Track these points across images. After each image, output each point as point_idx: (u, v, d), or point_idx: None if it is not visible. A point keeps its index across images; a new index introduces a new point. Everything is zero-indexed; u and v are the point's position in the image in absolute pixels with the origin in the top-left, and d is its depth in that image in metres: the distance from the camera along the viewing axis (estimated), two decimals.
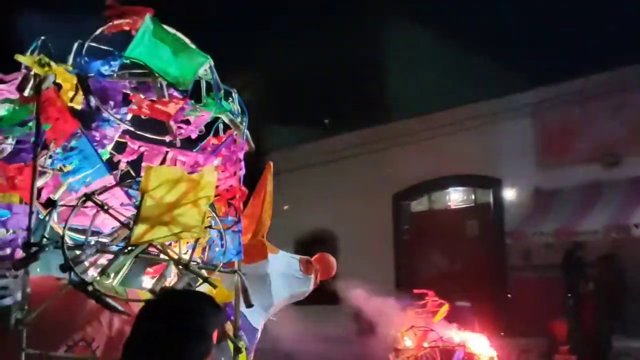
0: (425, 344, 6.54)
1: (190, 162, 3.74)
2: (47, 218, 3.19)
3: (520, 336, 11.30)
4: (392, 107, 15.99)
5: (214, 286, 3.44)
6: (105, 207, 3.25)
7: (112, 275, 3.38)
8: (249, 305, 3.72)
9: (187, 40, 3.73)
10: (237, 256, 3.71)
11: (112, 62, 3.48)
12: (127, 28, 3.61)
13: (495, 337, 7.49)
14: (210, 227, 3.53)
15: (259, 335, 4.34)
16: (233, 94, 3.93)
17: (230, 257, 3.65)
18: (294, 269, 4.62)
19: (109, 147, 3.72)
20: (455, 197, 15.52)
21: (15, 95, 3.31)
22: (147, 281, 3.89)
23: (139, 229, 3.09)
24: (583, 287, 11.27)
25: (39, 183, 3.24)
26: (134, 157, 3.78)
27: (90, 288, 3.01)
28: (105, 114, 3.48)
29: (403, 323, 6.81)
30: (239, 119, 3.91)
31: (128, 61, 3.54)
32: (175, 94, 3.65)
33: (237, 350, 3.68)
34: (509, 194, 14.02)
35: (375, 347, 7.23)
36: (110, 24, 3.56)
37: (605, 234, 11.42)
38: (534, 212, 13.06)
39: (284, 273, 4.54)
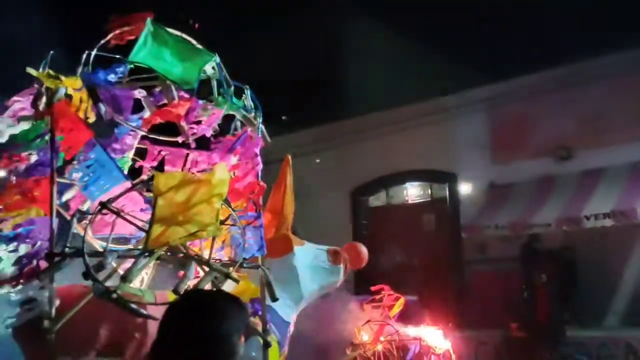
0: (382, 338, 6.56)
1: (208, 161, 3.76)
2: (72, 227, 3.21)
3: (476, 328, 11.46)
4: (349, 103, 15.99)
5: (236, 281, 3.41)
6: (122, 214, 3.26)
7: (135, 280, 3.33)
8: (274, 299, 3.64)
9: (191, 41, 3.71)
10: (260, 251, 3.67)
11: (117, 69, 3.47)
12: (131, 37, 3.61)
13: (452, 330, 7.57)
14: (231, 223, 3.53)
15: (291, 328, 4.27)
16: (245, 91, 3.92)
17: (252, 253, 3.63)
18: (321, 260, 4.56)
19: (130, 154, 3.76)
20: (413, 192, 15.65)
21: (31, 112, 3.34)
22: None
23: (155, 231, 3.08)
24: (537, 279, 11.48)
25: (67, 196, 3.36)
26: (156, 162, 3.85)
27: (114, 295, 3.00)
28: (117, 121, 3.50)
29: (360, 317, 6.82)
30: (252, 115, 3.90)
31: (132, 66, 3.54)
32: (185, 95, 3.63)
33: (266, 345, 3.64)
34: (465, 188, 14.21)
35: (333, 342, 7.23)
36: (114, 33, 3.59)
37: (558, 227, 11.66)
38: (489, 206, 13.25)
39: (312, 265, 4.48)
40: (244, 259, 3.60)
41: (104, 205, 3.20)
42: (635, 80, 12.19)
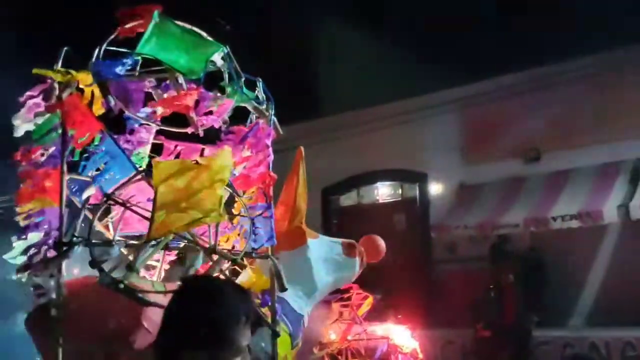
0: (350, 337, 6.55)
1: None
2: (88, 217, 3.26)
3: (444, 327, 11.53)
4: (321, 102, 15.98)
5: (243, 267, 3.44)
6: (128, 205, 3.29)
7: (140, 268, 3.33)
8: (282, 289, 3.63)
9: (200, 32, 3.70)
10: (269, 241, 3.66)
11: (124, 61, 3.44)
12: (141, 30, 3.59)
13: (420, 329, 7.60)
14: (241, 214, 3.56)
15: (305, 321, 4.21)
16: (258, 83, 3.93)
17: (261, 243, 3.62)
18: (335, 253, 4.48)
19: (147, 149, 3.79)
20: (383, 191, 15.70)
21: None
22: None
23: (157, 218, 3.07)
24: (505, 279, 11.59)
25: (88, 193, 3.40)
26: (172, 157, 3.86)
27: (120, 286, 3.03)
28: (127, 113, 3.51)
29: (328, 316, 6.80)
30: (263, 107, 3.89)
31: (139, 58, 3.54)
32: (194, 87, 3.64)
33: (275, 335, 3.61)
34: (435, 188, 14.30)
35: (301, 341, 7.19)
36: (122, 27, 3.59)
37: (526, 228, 11.79)
38: (458, 206, 13.35)
39: (326, 257, 4.41)
40: (253, 249, 3.63)
41: (108, 196, 3.25)
42: (603, 82, 12.38)
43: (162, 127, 3.77)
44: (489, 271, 12.07)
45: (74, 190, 3.44)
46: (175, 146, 3.85)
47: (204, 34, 3.73)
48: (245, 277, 3.79)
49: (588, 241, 11.91)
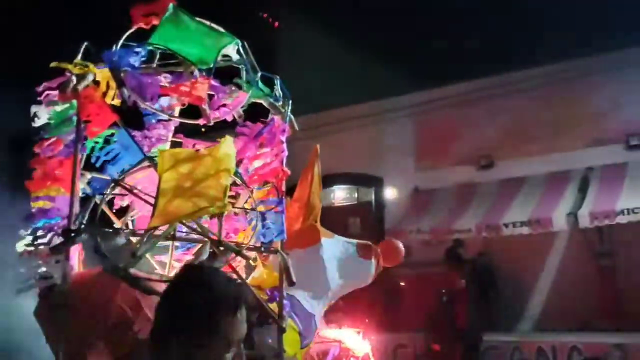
0: None
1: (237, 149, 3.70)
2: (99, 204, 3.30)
3: (397, 331, 11.61)
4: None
5: (247, 258, 3.40)
6: (136, 192, 3.31)
7: (144, 255, 3.33)
8: (290, 284, 3.58)
9: (216, 26, 3.72)
10: (279, 236, 3.64)
11: (136, 51, 3.45)
12: (156, 22, 3.63)
13: (373, 333, 7.61)
14: (251, 208, 3.57)
15: (317, 321, 4.12)
16: (275, 80, 3.94)
17: (271, 237, 3.60)
18: (350, 254, 4.37)
19: (167, 147, 3.78)
20: (339, 194, 15.73)
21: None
22: None
23: (161, 204, 3.06)
24: (457, 284, 11.73)
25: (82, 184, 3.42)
26: None
27: (121, 272, 3.04)
28: (142, 106, 3.52)
29: None
30: (279, 103, 3.89)
31: (154, 50, 3.58)
32: (214, 82, 3.64)
33: (281, 330, 3.56)
34: (390, 192, 14.40)
35: None
36: (139, 23, 3.62)
37: (478, 233, 11.96)
38: (413, 211, 13.47)
39: (340, 258, 4.30)
40: (263, 243, 3.61)
41: (116, 182, 3.28)
42: (554, 93, 12.68)
43: (173, 117, 3.75)
44: (442, 276, 12.21)
45: (95, 187, 3.47)
46: (194, 144, 3.84)
47: (219, 27, 3.74)
48: (257, 273, 3.78)
49: (538, 248, 12.16)
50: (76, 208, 3.23)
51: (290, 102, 3.99)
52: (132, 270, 3.16)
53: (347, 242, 4.49)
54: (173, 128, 3.88)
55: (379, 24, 14.26)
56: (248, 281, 3.71)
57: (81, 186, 3.45)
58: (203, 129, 3.76)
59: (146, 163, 3.39)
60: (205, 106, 3.62)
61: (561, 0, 12.69)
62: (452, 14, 14.00)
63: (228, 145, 3.35)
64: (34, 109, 3.42)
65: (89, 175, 3.53)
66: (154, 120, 3.77)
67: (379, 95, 14.31)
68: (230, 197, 3.79)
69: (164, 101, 3.68)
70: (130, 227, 3.72)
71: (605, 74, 12.48)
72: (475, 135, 13.21)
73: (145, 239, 3.23)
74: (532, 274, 12.26)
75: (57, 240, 3.20)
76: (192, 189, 3.14)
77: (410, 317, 11.73)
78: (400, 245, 4.62)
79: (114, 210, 3.74)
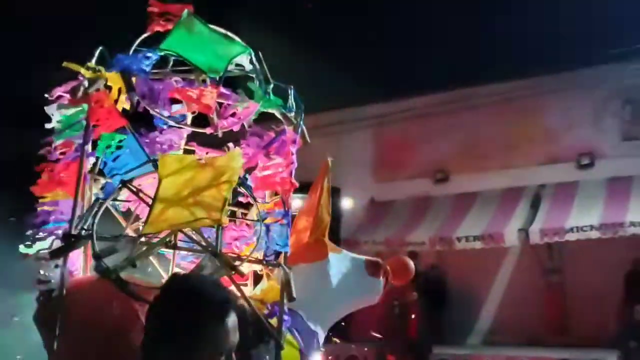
0: None
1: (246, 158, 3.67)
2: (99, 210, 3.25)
3: (348, 342, 11.59)
4: None
5: (242, 274, 3.32)
6: (141, 194, 3.28)
7: (139, 262, 3.22)
8: (290, 299, 3.49)
9: (230, 34, 3.68)
10: (283, 249, 3.57)
11: (147, 55, 3.42)
12: (170, 27, 3.62)
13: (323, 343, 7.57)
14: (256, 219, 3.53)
15: (320, 338, 3.98)
16: (290, 90, 3.90)
17: (274, 250, 3.54)
18: (358, 271, 4.22)
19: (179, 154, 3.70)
20: (296, 203, 15.63)
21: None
22: None
23: (156, 210, 3.01)
24: (409, 296, 11.80)
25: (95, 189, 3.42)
26: None
27: (112, 276, 2.99)
28: (152, 112, 3.47)
29: None
30: (292, 114, 3.84)
31: (166, 56, 3.55)
32: (223, 90, 3.61)
33: (278, 347, 3.45)
34: (347, 203, 14.41)
35: None
36: (154, 28, 3.62)
37: (432, 246, 12.07)
38: (368, 222, 13.52)
39: (347, 274, 4.15)
40: (265, 256, 3.55)
41: (124, 184, 3.26)
42: (509, 110, 12.92)
43: (180, 126, 3.66)
44: (394, 287, 12.24)
45: (108, 192, 3.44)
46: (207, 153, 3.76)
47: (233, 36, 3.71)
48: (262, 287, 3.73)
49: (489, 262, 12.33)
50: (81, 212, 3.22)
51: (303, 113, 3.97)
52: (128, 277, 3.09)
53: (355, 258, 4.32)
54: (185, 135, 3.81)
55: (339, 35, 14.32)
56: (252, 294, 3.65)
57: (94, 191, 3.44)
58: (228, 142, 3.78)
59: (152, 168, 3.34)
60: (213, 115, 3.59)
61: (517, 20, 12.96)
62: (413, 29, 14.16)
63: (233, 157, 3.29)
64: (47, 110, 3.39)
65: (102, 181, 3.48)
66: (165, 126, 3.70)
67: (337, 106, 14.35)
68: (243, 205, 3.79)
69: (176, 108, 3.64)
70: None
71: (558, 93, 12.80)
72: (431, 149, 13.36)
73: (139, 245, 3.17)
74: (483, 288, 12.42)
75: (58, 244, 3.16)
76: (191, 197, 3.09)
77: (361, 328, 11.72)
78: (410, 262, 4.50)
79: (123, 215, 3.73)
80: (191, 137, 3.85)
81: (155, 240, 3.24)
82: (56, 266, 3.10)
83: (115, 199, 3.51)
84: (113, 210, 3.62)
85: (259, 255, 3.58)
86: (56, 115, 3.38)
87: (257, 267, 3.77)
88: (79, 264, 3.33)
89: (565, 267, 12.36)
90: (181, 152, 3.76)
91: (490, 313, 12.35)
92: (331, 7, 14.78)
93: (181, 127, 3.66)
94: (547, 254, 12.37)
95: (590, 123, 13.03)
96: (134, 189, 3.32)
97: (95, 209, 3.25)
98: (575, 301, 11.95)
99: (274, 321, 3.52)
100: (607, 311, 11.32)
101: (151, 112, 3.46)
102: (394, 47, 14.00)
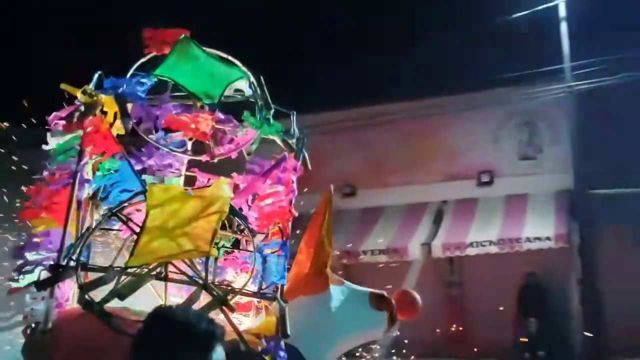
0: None
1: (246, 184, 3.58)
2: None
3: None
4: None
5: (233, 310, 3.16)
6: (129, 222, 3.15)
7: (129, 295, 3.06)
8: (284, 335, 3.29)
9: (230, 59, 3.57)
10: (280, 281, 3.37)
11: (142, 81, 3.32)
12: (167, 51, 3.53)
13: None
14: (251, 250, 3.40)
15: None
16: (292, 116, 3.78)
17: (271, 281, 3.34)
18: (362, 304, 3.99)
19: (180, 182, 3.64)
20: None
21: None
22: None
23: (143, 241, 2.90)
24: None
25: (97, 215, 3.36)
26: None
27: (95, 308, 2.89)
28: (147, 139, 3.39)
29: None
30: (293, 141, 3.69)
31: (156, 79, 3.42)
32: (221, 116, 3.50)
33: None
34: None
35: None
36: (151, 53, 3.54)
37: (339, 260, 12.14)
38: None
39: (350, 307, 3.92)
40: (260, 289, 3.36)
41: (112, 212, 3.13)
42: (413, 128, 13.30)
43: (175, 152, 3.53)
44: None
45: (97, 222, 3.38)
46: (209, 179, 3.59)
47: (233, 60, 3.59)
48: (259, 321, 3.55)
49: (394, 276, 12.50)
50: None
51: (305, 139, 3.85)
52: (119, 310, 2.98)
53: (358, 290, 4.08)
54: (186, 162, 3.69)
55: (249, 49, 14.30)
56: (249, 327, 3.52)
57: (95, 217, 3.36)
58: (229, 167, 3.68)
59: (142, 197, 3.19)
60: (210, 142, 3.47)
61: (423, 42, 13.40)
62: (321, 45, 14.32)
63: (222, 188, 3.20)
64: (48, 137, 3.30)
65: (103, 208, 3.35)
66: (166, 151, 3.59)
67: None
68: (242, 233, 3.63)
69: (174, 134, 3.52)
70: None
71: (460, 114, 13.32)
72: (339, 163, 13.51)
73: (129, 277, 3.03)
74: None
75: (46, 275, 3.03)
76: (179, 229, 2.98)
77: None
78: (417, 296, 4.36)
79: None
80: (193, 163, 3.76)
81: (146, 271, 3.10)
82: (42, 298, 2.98)
83: (108, 229, 3.40)
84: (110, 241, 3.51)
85: (256, 287, 3.44)
86: (52, 141, 3.28)
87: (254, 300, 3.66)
88: (70, 296, 3.18)
89: (465, 280, 12.81)
90: (182, 178, 3.67)
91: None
92: None
93: (176, 154, 3.56)
94: (449, 267, 12.77)
95: (490, 143, 13.63)
96: (123, 219, 3.18)
97: (86, 238, 3.12)
98: (474, 313, 12.39)
99: (270, 358, 3.38)
100: (503, 323, 11.79)
101: (146, 139, 3.37)
102: (302, 62, 14.12)
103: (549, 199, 12.82)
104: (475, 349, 11.66)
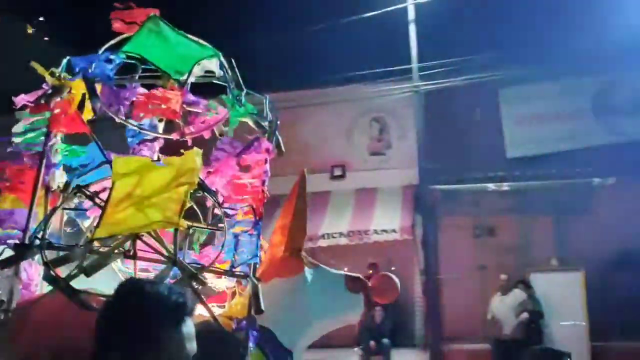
0: None
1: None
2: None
3: None
4: None
5: (203, 284, 3.08)
6: (96, 198, 3.11)
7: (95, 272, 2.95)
8: (257, 311, 3.23)
9: (197, 39, 3.51)
10: (252, 260, 3.37)
11: (110, 58, 3.22)
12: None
13: None
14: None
15: (295, 357, 3.70)
16: (264, 100, 3.78)
17: (244, 260, 3.35)
18: (337, 287, 3.93)
19: None
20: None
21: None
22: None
23: (107, 213, 2.80)
24: None
25: (87, 224, 3.40)
26: None
27: (61, 284, 2.81)
28: (118, 120, 3.30)
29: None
30: (266, 123, 3.67)
31: (124, 56, 3.33)
32: (191, 96, 3.43)
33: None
34: None
35: None
36: (120, 35, 3.45)
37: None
38: None
39: (326, 290, 3.88)
40: (232, 267, 3.33)
41: (79, 189, 3.09)
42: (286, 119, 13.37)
43: (145, 131, 3.47)
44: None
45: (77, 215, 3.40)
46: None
47: (201, 40, 3.52)
48: (233, 302, 3.53)
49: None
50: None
51: (278, 121, 3.82)
52: (87, 290, 2.88)
53: (334, 273, 4.07)
54: (158, 148, 3.64)
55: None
56: (222, 311, 3.50)
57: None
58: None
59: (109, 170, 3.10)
60: (179, 120, 3.41)
61: (279, 37, 13.53)
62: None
63: (191, 159, 3.06)
64: (17, 115, 3.24)
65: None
66: (137, 141, 3.56)
67: None
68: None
69: (145, 116, 3.44)
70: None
71: (314, 108, 13.59)
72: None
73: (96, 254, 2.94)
74: None
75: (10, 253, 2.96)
76: (146, 200, 2.87)
77: None
78: (396, 279, 4.33)
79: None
80: (164, 152, 3.68)
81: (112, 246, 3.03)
82: (6, 277, 2.92)
83: (77, 209, 3.35)
84: (78, 220, 3.45)
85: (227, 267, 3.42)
86: (19, 124, 3.23)
87: (227, 283, 3.62)
88: (39, 279, 3.14)
89: None
90: None
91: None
92: None
93: (147, 134, 3.52)
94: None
95: (343, 138, 14.01)
96: (89, 194, 3.11)
97: (51, 216, 3.07)
98: None
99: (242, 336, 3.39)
100: None
101: (117, 120, 3.28)
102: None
103: (396, 193, 13.49)
104: (325, 338, 11.96)
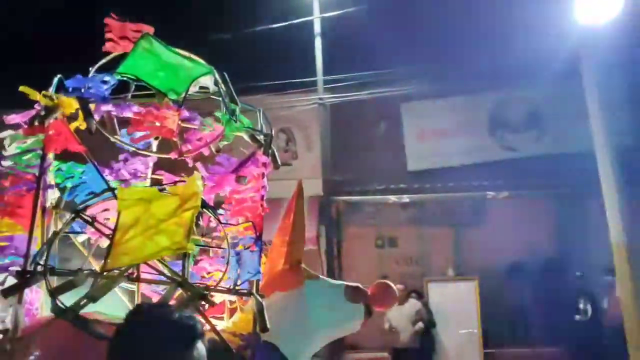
0: None
1: (212, 181, 3.63)
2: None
3: None
4: None
5: (212, 304, 3.17)
6: (95, 222, 3.14)
7: (100, 298, 2.97)
8: (263, 329, 3.27)
9: (191, 55, 3.54)
10: (254, 276, 3.39)
11: (105, 80, 3.24)
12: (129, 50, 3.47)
13: None
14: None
15: None
16: (258, 113, 3.80)
17: (246, 277, 3.37)
18: (337, 297, 3.95)
19: (147, 184, 3.63)
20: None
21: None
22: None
23: (117, 244, 2.84)
24: None
25: (82, 239, 3.42)
26: None
27: (69, 315, 2.81)
28: (113, 140, 3.34)
29: None
30: (261, 136, 3.69)
31: (119, 77, 3.37)
32: (187, 113, 3.46)
33: None
34: None
35: None
36: (114, 53, 3.49)
37: None
38: None
39: (326, 301, 3.91)
40: (236, 285, 3.37)
41: (77, 213, 3.10)
42: None
43: (142, 152, 3.49)
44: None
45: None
46: (175, 182, 3.47)
47: (195, 57, 3.54)
48: (236, 318, 3.61)
49: None
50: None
51: (273, 135, 3.85)
52: (88, 314, 2.89)
53: (333, 284, 4.12)
54: (152, 164, 3.67)
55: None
56: (225, 325, 3.54)
57: (60, 226, 3.29)
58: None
59: (110, 195, 3.13)
60: (176, 139, 3.42)
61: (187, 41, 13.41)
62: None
63: (194, 184, 3.12)
64: (3, 134, 3.20)
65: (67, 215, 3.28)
66: (130, 156, 3.55)
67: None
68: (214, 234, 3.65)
69: (139, 135, 3.44)
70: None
71: None
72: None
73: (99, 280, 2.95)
74: None
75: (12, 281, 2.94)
76: (153, 228, 2.92)
77: None
78: (393, 286, 4.31)
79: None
80: (159, 166, 3.72)
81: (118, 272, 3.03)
82: (10, 305, 2.91)
83: (75, 232, 3.36)
84: (77, 244, 3.47)
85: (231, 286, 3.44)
86: (12, 146, 3.18)
87: (230, 298, 3.67)
88: (40, 303, 3.15)
89: None
90: (148, 181, 3.64)
91: None
92: None
93: (144, 154, 3.53)
94: None
95: (248, 147, 14.02)
96: (88, 219, 3.14)
97: (52, 242, 3.06)
98: None
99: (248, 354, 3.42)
100: None
101: (112, 139, 3.30)
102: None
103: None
104: None
